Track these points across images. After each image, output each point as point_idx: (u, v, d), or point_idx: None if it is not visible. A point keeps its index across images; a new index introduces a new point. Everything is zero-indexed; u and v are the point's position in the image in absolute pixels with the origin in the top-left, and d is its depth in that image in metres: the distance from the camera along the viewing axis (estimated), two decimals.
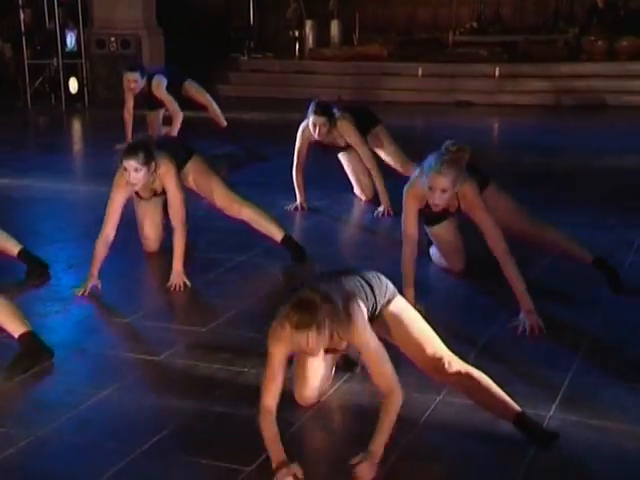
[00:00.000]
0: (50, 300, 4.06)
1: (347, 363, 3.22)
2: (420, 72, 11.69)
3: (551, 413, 2.90)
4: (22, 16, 10.80)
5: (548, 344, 3.54)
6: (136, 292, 4.36)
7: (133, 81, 7.35)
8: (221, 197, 4.79)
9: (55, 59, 10.95)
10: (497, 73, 11.39)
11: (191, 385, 3.12)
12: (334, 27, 13.09)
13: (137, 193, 4.61)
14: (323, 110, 5.60)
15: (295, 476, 2.52)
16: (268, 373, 2.65)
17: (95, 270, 4.27)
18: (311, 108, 5.60)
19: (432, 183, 3.69)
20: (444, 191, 3.70)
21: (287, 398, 3.00)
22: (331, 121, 5.61)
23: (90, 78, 11.29)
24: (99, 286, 4.24)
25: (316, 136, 5.62)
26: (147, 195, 4.66)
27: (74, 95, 11.08)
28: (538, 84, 11.15)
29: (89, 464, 2.63)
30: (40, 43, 11.12)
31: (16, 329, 3.33)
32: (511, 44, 12.11)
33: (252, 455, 2.65)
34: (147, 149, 4.32)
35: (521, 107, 10.62)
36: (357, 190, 6.07)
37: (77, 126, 10.41)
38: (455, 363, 2.84)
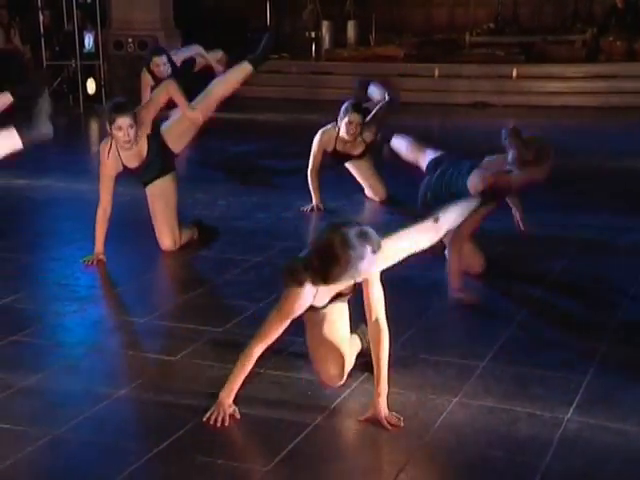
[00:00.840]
0: (68, 300, 4.08)
1: (363, 363, 3.22)
2: (437, 73, 11.67)
3: (569, 416, 2.88)
4: (41, 18, 10.88)
5: (565, 346, 3.51)
6: (152, 292, 4.38)
7: (162, 64, 7.31)
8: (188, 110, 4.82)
9: (73, 60, 11.01)
10: (514, 74, 11.35)
11: (207, 385, 3.12)
12: (350, 28, 13.10)
13: (126, 167, 4.67)
14: (360, 109, 5.70)
15: (232, 416, 2.84)
16: (279, 318, 2.80)
17: (100, 245, 4.60)
18: (347, 107, 5.67)
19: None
20: None
21: (301, 400, 3.00)
22: (364, 122, 5.70)
23: (108, 79, 11.34)
24: (104, 260, 4.58)
25: (347, 136, 5.68)
26: (135, 164, 4.68)
27: (92, 96, 11.14)
28: (555, 85, 11.09)
29: (106, 464, 2.64)
30: (59, 44, 11.19)
31: None
32: (528, 45, 12.05)
33: (268, 455, 2.65)
34: (131, 105, 4.56)
35: (538, 108, 10.56)
36: (369, 193, 6.08)
37: (95, 127, 10.46)
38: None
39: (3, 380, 3.17)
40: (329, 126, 5.80)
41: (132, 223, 5.30)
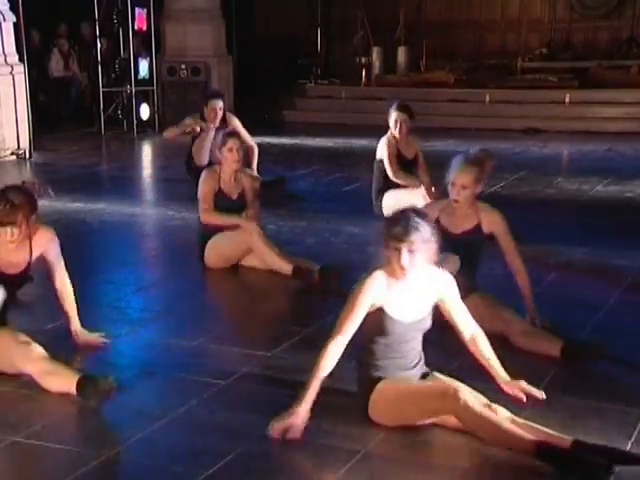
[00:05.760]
0: (119, 322, 4.13)
1: None
2: (487, 98, 11.61)
3: (627, 450, 2.80)
4: (99, 46, 11.14)
5: (624, 378, 3.43)
6: (203, 315, 4.40)
7: (219, 108, 7.25)
8: None
9: (128, 86, 11.25)
10: (567, 99, 11.22)
11: (256, 410, 3.12)
12: (401, 54, 13.11)
13: (223, 192, 4.87)
14: (405, 108, 5.96)
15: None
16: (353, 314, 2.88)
17: None
18: (393, 107, 5.97)
19: None
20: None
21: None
22: (412, 119, 5.92)
23: (161, 104, 11.55)
24: None
25: (396, 133, 5.91)
26: (235, 193, 4.92)
27: (145, 121, 11.35)
28: (610, 110, 10.93)
29: None
30: (114, 71, 11.44)
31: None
32: (582, 70, 11.90)
33: None
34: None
35: (592, 134, 10.42)
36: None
37: (148, 151, 10.64)
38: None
39: (57, 401, 3.21)
40: (386, 136, 6.00)
41: (182, 246, 5.36)
